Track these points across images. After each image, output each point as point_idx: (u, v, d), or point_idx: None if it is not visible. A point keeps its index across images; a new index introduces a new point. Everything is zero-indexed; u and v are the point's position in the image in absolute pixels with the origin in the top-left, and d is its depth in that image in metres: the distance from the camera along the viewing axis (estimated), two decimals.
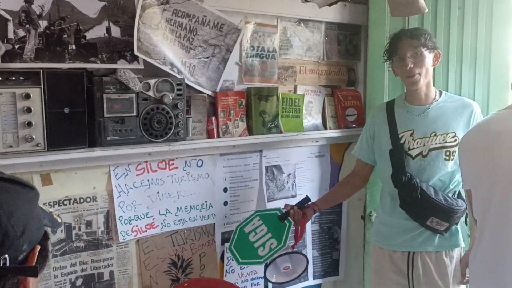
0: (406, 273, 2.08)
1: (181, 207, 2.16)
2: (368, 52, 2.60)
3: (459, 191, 2.09)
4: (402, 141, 2.07)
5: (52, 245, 1.84)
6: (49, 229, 0.83)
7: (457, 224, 2.05)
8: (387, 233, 2.15)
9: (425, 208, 1.99)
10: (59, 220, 0.87)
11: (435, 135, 2.02)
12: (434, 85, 2.15)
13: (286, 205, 2.25)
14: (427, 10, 1.93)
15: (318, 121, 2.58)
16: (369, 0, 2.56)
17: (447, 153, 2.01)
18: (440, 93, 2.11)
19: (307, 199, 2.26)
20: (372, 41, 2.55)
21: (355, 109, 2.64)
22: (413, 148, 2.04)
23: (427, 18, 2.42)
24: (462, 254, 2.09)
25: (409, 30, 2.10)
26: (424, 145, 2.03)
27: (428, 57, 2.01)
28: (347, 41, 2.66)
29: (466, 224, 2.11)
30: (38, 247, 0.76)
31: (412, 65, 1.98)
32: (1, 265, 0.68)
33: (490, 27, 2.31)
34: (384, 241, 2.17)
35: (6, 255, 0.68)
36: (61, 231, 1.85)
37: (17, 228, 0.71)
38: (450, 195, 2.03)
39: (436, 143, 2.01)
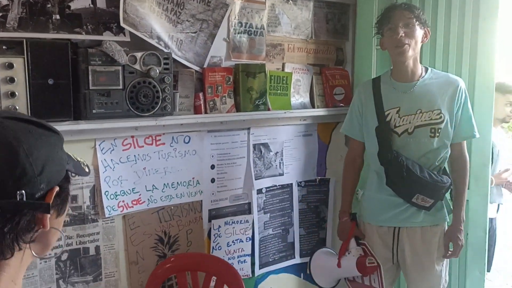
0: (391, 247, 2.11)
1: (168, 184, 2.15)
2: (356, 30, 2.59)
3: (444, 168, 2.11)
4: (388, 119, 2.07)
5: None
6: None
7: (442, 200, 2.08)
8: (374, 209, 2.18)
9: (410, 186, 2.02)
10: (87, 170, 0.89)
11: (420, 112, 2.03)
12: (421, 63, 2.16)
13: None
14: None
15: (306, 99, 2.58)
16: None
17: (433, 130, 2.03)
18: (426, 69, 2.12)
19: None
20: (360, 19, 2.54)
21: (343, 88, 2.64)
22: (399, 126, 2.05)
23: None
24: (446, 228, 2.12)
25: (404, 2, 2.11)
26: (409, 122, 2.04)
27: (419, 31, 2.02)
28: (335, 20, 2.65)
29: (451, 199, 2.13)
30: (57, 188, 0.78)
31: (403, 34, 1.98)
32: (17, 199, 0.71)
33: (478, 3, 2.32)
34: (371, 217, 2.19)
35: (23, 191, 0.71)
36: None
37: (36, 167, 0.73)
38: (435, 172, 2.05)
39: (421, 120, 2.03)
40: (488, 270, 2.72)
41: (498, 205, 3.09)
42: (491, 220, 2.87)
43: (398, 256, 2.12)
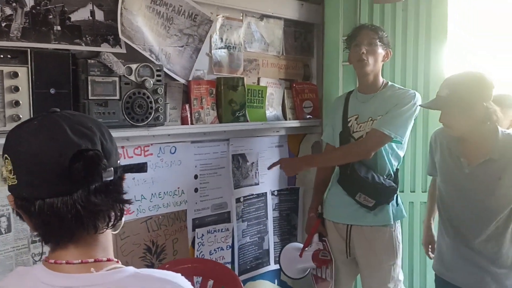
0: (345, 242, 2.31)
1: (155, 193, 2.19)
2: (324, 48, 2.79)
3: (395, 174, 2.28)
4: (349, 125, 2.29)
5: None
6: None
7: (388, 203, 2.24)
8: (332, 207, 2.38)
9: (354, 184, 2.22)
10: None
11: (371, 119, 2.23)
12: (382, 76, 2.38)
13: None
14: None
15: (279, 112, 2.73)
16: (324, 0, 2.76)
17: None
18: (387, 83, 2.32)
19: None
20: (328, 38, 2.75)
21: (311, 101, 2.82)
22: (357, 131, 2.26)
23: (376, 18, 2.68)
24: (396, 231, 2.27)
25: (371, 24, 2.34)
26: (363, 129, 2.24)
27: (380, 50, 2.23)
28: (302, 38, 2.84)
29: (398, 205, 2.29)
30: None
31: (365, 51, 2.19)
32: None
33: (430, 25, 2.62)
34: (329, 213, 2.39)
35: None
36: None
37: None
38: (384, 175, 2.23)
39: (370, 127, 2.21)
40: None
41: None
42: None
43: (350, 251, 2.31)
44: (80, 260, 0.87)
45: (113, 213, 0.90)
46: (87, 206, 0.84)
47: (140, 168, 0.96)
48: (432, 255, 2.22)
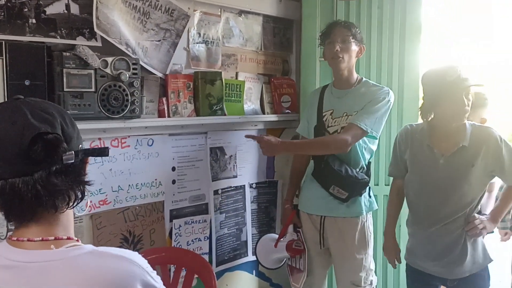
0: (318, 233, 2.37)
1: (132, 184, 2.23)
2: (301, 44, 2.84)
3: (367, 167, 2.35)
4: (324, 119, 2.34)
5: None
6: None
7: (360, 195, 2.30)
8: (306, 199, 2.44)
9: (328, 177, 2.27)
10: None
11: (346, 115, 2.28)
12: (358, 73, 2.44)
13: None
14: None
15: (257, 106, 2.78)
16: None
17: None
18: (361, 80, 2.37)
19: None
20: (305, 34, 2.80)
21: (289, 96, 2.88)
22: (331, 126, 2.31)
23: (352, 16, 2.74)
24: (367, 222, 2.35)
25: (344, 21, 2.38)
26: (338, 124, 2.29)
27: (354, 47, 2.28)
28: (281, 34, 2.90)
29: (370, 197, 2.37)
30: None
31: (339, 48, 2.24)
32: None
33: (404, 22, 2.68)
34: (304, 205, 2.45)
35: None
36: None
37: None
38: (357, 168, 2.29)
39: (345, 122, 2.26)
40: None
41: None
42: None
43: (324, 242, 2.38)
44: (41, 238, 0.92)
45: (73, 194, 0.95)
46: (47, 186, 0.89)
47: (102, 152, 1.02)
48: (397, 263, 2.28)
